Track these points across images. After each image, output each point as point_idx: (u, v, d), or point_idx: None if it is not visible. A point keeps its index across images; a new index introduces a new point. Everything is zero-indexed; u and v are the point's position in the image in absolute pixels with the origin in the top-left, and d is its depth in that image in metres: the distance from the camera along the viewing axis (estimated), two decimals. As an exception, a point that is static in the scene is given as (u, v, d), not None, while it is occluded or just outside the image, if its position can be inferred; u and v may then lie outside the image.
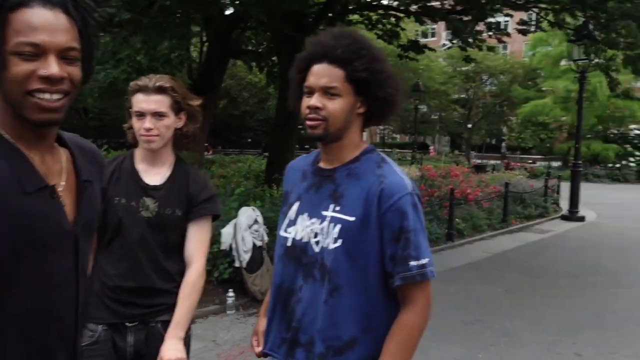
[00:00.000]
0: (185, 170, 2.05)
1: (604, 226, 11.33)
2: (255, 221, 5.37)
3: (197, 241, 1.98)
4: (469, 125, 33.52)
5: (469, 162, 24.80)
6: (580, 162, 12.49)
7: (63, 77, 1.01)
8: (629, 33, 8.44)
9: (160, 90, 1.91)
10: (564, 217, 11.88)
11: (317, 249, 1.49)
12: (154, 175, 2.00)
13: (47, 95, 1.01)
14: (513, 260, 7.83)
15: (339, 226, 1.45)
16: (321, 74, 1.44)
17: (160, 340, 1.83)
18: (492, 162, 26.02)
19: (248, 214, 5.38)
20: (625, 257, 8.21)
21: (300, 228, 1.54)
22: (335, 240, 1.45)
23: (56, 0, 1.01)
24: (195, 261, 1.96)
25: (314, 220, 1.51)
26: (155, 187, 1.98)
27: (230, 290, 5.11)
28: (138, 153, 2.03)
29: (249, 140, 32.24)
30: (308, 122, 1.47)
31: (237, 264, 5.26)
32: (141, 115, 1.92)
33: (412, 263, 1.40)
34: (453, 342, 4.40)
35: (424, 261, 1.41)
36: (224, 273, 5.40)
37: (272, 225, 5.40)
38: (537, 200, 12.03)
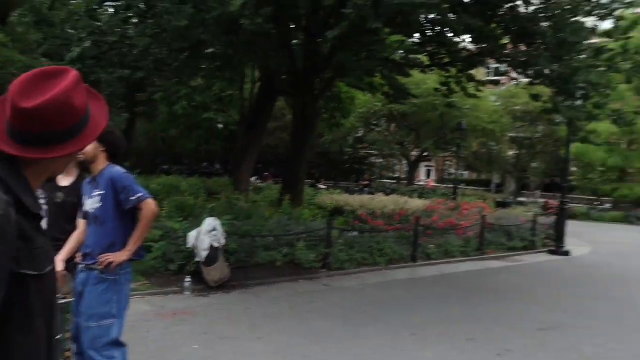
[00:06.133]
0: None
1: (584, 259, 12.15)
2: (215, 228, 7.18)
3: None
4: (534, 165, 33.73)
5: (511, 197, 25.32)
6: (567, 199, 13.29)
7: None
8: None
9: None
10: (551, 252, 12.70)
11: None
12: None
13: None
14: (455, 279, 9.05)
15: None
16: None
17: None
18: (532, 199, 26.26)
19: (208, 222, 7.22)
20: (562, 282, 9.30)
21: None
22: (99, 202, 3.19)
23: None
24: None
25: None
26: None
27: (188, 277, 6.95)
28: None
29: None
30: None
31: (197, 259, 7.10)
32: None
33: (132, 198, 3.12)
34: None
35: (139, 194, 3.12)
36: (187, 265, 7.27)
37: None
38: (525, 234, 12.95)
